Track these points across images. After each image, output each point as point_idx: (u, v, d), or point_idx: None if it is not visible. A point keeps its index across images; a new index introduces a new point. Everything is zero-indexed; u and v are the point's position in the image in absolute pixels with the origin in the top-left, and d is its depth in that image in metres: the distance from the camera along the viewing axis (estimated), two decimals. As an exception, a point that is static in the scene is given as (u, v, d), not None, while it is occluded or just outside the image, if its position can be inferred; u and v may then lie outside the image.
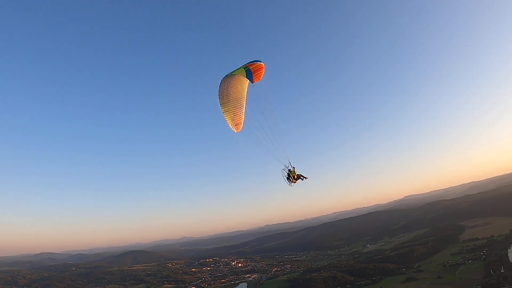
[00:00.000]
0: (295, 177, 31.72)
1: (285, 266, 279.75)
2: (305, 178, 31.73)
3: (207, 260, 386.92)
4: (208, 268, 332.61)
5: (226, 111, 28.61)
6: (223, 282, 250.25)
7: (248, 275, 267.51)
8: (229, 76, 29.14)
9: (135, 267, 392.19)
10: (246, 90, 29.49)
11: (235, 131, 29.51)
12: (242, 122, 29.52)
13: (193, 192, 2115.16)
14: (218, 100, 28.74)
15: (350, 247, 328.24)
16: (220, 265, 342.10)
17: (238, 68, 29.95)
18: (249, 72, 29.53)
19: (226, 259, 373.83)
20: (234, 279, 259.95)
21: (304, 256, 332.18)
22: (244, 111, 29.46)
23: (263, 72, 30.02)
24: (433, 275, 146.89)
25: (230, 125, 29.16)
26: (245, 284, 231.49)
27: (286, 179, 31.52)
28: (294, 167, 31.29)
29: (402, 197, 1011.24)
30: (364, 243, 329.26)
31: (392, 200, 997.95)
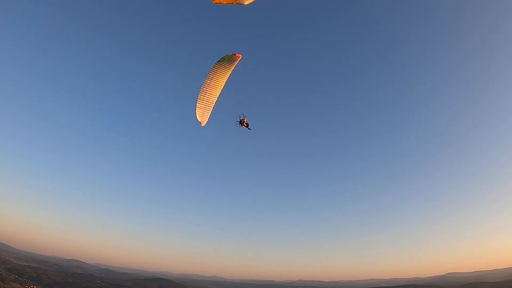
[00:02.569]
0: (245, 123, 40.85)
1: None
2: (249, 129, 40.48)
3: None
4: None
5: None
6: None
7: None
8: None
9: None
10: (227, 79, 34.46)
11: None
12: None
13: (235, 234, 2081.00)
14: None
15: None
16: None
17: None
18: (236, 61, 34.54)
19: None
20: None
21: None
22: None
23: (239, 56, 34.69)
24: None
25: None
26: None
27: (237, 123, 40.11)
28: (246, 117, 40.08)
29: (444, 273, 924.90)
30: None
31: (433, 275, 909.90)
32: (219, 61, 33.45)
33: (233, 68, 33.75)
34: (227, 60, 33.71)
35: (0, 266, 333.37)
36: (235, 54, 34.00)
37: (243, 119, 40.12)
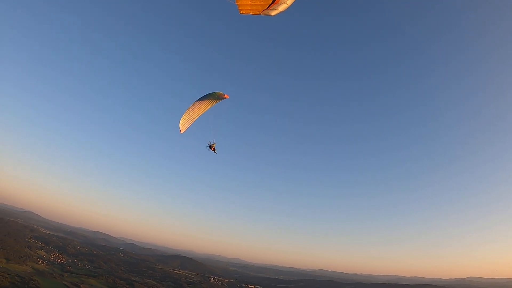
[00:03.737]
0: (213, 148, 45.92)
1: None
2: (215, 152, 46.50)
3: (250, 286, 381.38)
4: None
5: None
6: None
7: None
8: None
9: (179, 271, 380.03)
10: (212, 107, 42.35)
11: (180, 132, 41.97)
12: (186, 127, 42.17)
13: (263, 218, 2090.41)
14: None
15: None
16: None
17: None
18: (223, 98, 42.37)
19: None
20: None
21: None
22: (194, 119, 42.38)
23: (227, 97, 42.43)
24: None
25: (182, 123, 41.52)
26: None
27: (207, 146, 45.35)
28: (215, 143, 45.52)
29: (465, 277, 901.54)
30: None
31: (454, 277, 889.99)
32: (210, 93, 41.28)
33: (218, 102, 41.66)
34: (216, 96, 41.31)
35: (28, 234, 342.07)
36: (224, 94, 41.41)
37: (212, 144, 46.80)
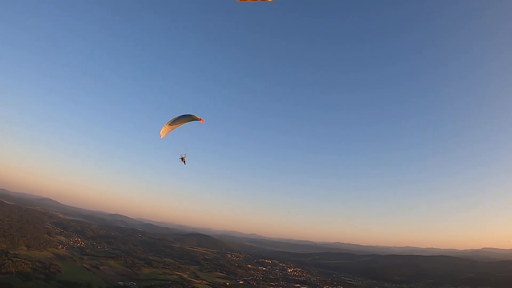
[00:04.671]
0: (184, 160, 53.54)
1: (337, 286, 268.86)
2: (184, 163, 54.16)
3: (266, 260, 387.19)
4: (264, 268, 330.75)
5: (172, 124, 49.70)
6: (272, 285, 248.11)
7: (298, 285, 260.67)
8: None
9: (196, 249, 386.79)
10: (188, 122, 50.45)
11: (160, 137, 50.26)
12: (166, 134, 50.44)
13: (279, 193, 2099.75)
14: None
15: (409, 286, 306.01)
16: (276, 269, 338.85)
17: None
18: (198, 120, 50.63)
19: (284, 264, 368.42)
20: (283, 285, 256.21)
21: (359, 282, 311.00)
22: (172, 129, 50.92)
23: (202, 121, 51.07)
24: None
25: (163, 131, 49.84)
26: None
27: (180, 157, 53.23)
28: (185, 156, 53.32)
29: (481, 248, 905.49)
30: (425, 285, 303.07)
31: (469, 248, 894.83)
32: (189, 114, 48.81)
33: (193, 121, 49.33)
34: (193, 117, 48.87)
35: (47, 220, 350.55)
36: (201, 119, 49.04)
37: (183, 157, 53.35)
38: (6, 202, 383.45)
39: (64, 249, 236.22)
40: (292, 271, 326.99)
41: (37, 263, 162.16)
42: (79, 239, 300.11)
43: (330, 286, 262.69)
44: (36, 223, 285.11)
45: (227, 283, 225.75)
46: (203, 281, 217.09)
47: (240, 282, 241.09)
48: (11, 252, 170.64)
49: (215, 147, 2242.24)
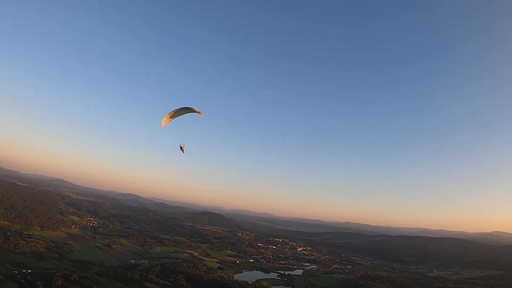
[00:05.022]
0: (182, 149, 55.85)
1: (346, 265, 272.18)
2: (183, 152, 56.50)
3: (276, 239, 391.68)
4: (274, 247, 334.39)
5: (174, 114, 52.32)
6: (282, 264, 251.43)
7: (307, 263, 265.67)
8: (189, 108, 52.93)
9: (208, 227, 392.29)
10: (187, 113, 52.96)
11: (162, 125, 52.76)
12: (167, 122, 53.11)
13: (288, 171, 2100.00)
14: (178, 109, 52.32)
15: (417, 267, 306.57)
16: (286, 247, 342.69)
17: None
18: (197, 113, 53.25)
19: (294, 243, 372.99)
20: (293, 263, 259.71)
21: (368, 262, 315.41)
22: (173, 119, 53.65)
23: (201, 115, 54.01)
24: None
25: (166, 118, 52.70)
26: (301, 271, 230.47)
27: (179, 147, 55.35)
28: (184, 146, 55.82)
29: (491, 231, 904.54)
30: (432, 267, 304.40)
31: (479, 232, 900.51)
32: (189, 107, 52.20)
33: (192, 113, 52.58)
34: (193, 110, 52.21)
35: (60, 200, 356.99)
36: (200, 112, 53.16)
37: (182, 146, 56.26)
38: (19, 183, 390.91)
39: (77, 228, 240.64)
40: (302, 250, 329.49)
41: (50, 243, 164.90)
42: (91, 219, 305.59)
43: (339, 265, 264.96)
44: (49, 203, 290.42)
45: (237, 261, 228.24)
46: (214, 259, 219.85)
47: (250, 260, 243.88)
48: (25, 233, 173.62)
49: (228, 126, 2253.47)
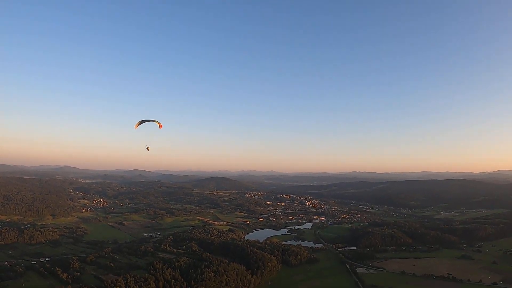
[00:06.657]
0: (148, 149, 78.41)
1: (354, 215, 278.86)
2: (147, 150, 79.62)
3: (284, 196, 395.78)
4: (283, 204, 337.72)
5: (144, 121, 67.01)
6: (291, 219, 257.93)
7: (316, 216, 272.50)
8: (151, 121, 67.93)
9: (216, 192, 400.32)
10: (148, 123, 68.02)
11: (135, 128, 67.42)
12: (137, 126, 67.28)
13: (291, 126, 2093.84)
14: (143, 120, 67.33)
15: (424, 210, 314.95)
16: (294, 203, 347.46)
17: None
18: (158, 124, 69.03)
19: (302, 198, 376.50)
20: (302, 218, 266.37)
21: (376, 209, 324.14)
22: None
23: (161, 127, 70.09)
24: (489, 259, 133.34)
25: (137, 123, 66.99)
26: (310, 224, 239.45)
27: (146, 148, 78.38)
28: (149, 146, 78.71)
29: (496, 170, 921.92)
30: (439, 209, 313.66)
31: (484, 171, 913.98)
32: (153, 119, 67.48)
33: (154, 122, 67.77)
34: (156, 122, 67.61)
35: (68, 187, 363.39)
36: (160, 125, 69.25)
37: (147, 146, 78.82)
38: (26, 177, 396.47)
39: (88, 211, 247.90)
40: (310, 204, 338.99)
41: (64, 229, 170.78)
42: (101, 200, 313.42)
43: (348, 215, 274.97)
44: (58, 191, 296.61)
45: (248, 222, 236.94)
46: (224, 222, 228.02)
47: (260, 219, 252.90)
48: (38, 224, 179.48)
49: (227, 85, 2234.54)
